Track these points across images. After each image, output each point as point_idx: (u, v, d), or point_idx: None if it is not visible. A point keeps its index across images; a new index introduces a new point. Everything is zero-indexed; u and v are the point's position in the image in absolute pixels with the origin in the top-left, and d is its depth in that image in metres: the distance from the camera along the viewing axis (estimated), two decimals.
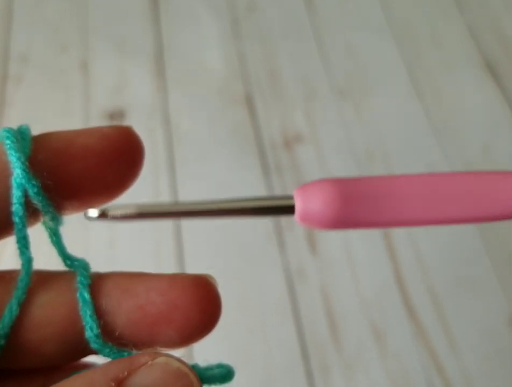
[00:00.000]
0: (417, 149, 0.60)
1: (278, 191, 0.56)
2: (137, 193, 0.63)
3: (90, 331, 0.16)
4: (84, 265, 0.17)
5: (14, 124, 0.18)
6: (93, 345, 0.16)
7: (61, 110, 0.62)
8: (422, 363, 0.48)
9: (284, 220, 0.55)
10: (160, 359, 0.15)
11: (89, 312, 0.16)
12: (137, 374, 0.15)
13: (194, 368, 0.16)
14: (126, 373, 0.15)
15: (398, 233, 0.54)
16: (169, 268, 0.52)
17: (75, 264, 0.18)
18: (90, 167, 0.17)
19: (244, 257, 0.53)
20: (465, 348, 0.49)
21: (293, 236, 0.54)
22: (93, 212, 0.17)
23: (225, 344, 0.49)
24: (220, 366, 0.17)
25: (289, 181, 0.57)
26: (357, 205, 0.18)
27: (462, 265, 0.53)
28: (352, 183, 0.18)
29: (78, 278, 0.17)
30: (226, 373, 0.17)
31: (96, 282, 0.17)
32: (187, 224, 0.55)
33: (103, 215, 0.17)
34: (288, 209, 0.18)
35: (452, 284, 0.52)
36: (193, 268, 0.52)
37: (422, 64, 0.66)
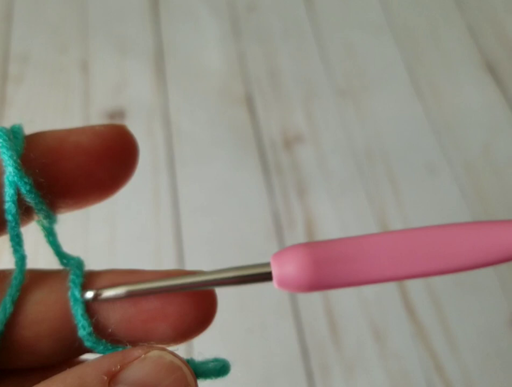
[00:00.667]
0: (417, 149, 0.60)
1: (278, 191, 0.56)
2: (138, 193, 0.63)
3: (83, 330, 0.16)
4: (78, 264, 0.17)
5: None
6: (87, 344, 0.16)
7: (61, 110, 0.62)
8: (422, 363, 0.49)
9: (284, 219, 0.55)
10: (153, 353, 0.15)
11: (80, 311, 0.16)
12: (130, 367, 0.15)
13: (188, 362, 0.16)
14: (118, 367, 0.15)
15: None
16: (169, 268, 0.52)
17: (70, 263, 0.18)
18: (82, 165, 0.17)
19: (244, 257, 0.53)
20: (465, 347, 0.49)
21: (293, 236, 0.54)
22: (89, 294, 0.17)
23: (225, 344, 0.49)
24: (215, 360, 0.17)
25: (289, 181, 0.57)
26: (330, 269, 0.18)
27: None
28: (323, 247, 0.19)
29: (71, 277, 0.17)
30: (221, 367, 0.17)
31: (89, 280, 0.17)
32: (188, 224, 0.55)
33: (96, 297, 0.17)
34: (266, 277, 0.19)
35: (451, 284, 0.52)
36: (193, 268, 0.52)
37: (422, 64, 0.66)
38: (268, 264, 0.19)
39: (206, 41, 0.67)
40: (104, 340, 0.16)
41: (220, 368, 0.17)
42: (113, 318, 0.17)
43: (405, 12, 0.70)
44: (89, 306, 0.16)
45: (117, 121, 0.61)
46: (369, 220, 0.55)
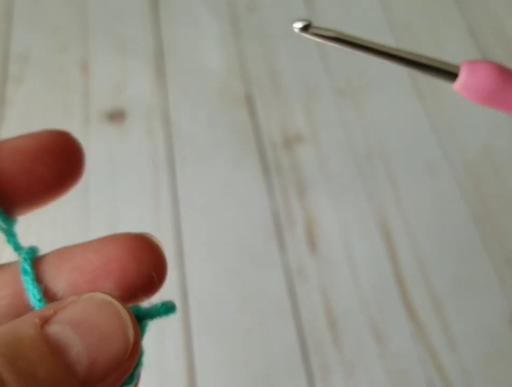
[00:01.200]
0: (417, 149, 0.60)
1: (278, 191, 0.56)
2: (138, 193, 0.63)
3: (33, 297, 0.17)
4: (32, 247, 0.18)
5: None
6: None
7: (61, 110, 0.62)
8: (422, 363, 0.49)
9: (284, 219, 0.55)
10: (85, 296, 0.16)
11: (30, 280, 0.17)
12: (63, 311, 0.15)
13: (132, 308, 0.17)
14: (52, 311, 0.15)
15: (398, 232, 0.54)
16: (169, 268, 0.52)
17: (25, 249, 0.18)
18: (19, 163, 0.18)
19: (244, 257, 0.53)
20: (465, 348, 0.49)
21: (293, 236, 0.54)
22: (298, 24, 0.19)
23: (224, 344, 0.49)
24: (162, 302, 0.18)
25: (289, 181, 0.57)
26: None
27: (462, 265, 0.53)
28: None
29: (22, 255, 0.18)
30: (166, 306, 0.18)
31: (39, 257, 0.18)
32: (188, 224, 0.55)
33: (305, 28, 0.20)
34: (452, 75, 0.21)
35: (451, 283, 0.52)
36: (193, 268, 0.52)
37: None
38: (457, 67, 0.21)
39: (206, 41, 0.67)
40: None
41: (165, 308, 0.18)
42: (60, 284, 0.17)
43: (405, 12, 0.70)
44: (38, 277, 0.17)
45: (117, 121, 0.61)
46: (369, 220, 0.55)
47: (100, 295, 0.16)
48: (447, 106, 0.63)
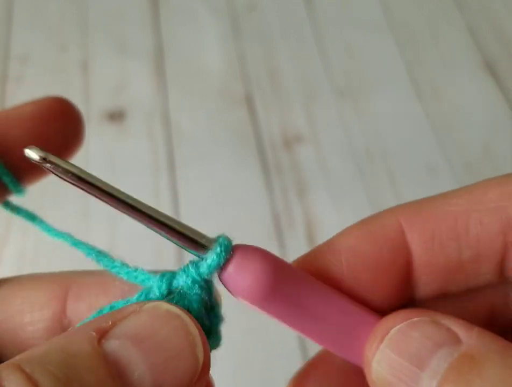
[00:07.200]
0: (417, 149, 0.60)
1: (278, 191, 0.56)
2: (138, 193, 0.63)
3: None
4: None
5: None
6: None
7: None
8: None
9: (284, 219, 0.55)
10: (148, 305, 0.14)
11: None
12: (123, 322, 0.14)
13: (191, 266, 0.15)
14: (110, 322, 0.13)
15: None
16: (169, 268, 0.52)
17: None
18: (28, 129, 0.18)
19: None
20: None
21: (293, 236, 0.54)
22: (35, 153, 0.16)
23: (225, 344, 0.49)
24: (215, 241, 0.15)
25: (289, 181, 0.57)
26: (279, 302, 0.17)
27: None
28: (286, 272, 0.17)
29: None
30: (222, 245, 0.16)
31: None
32: (187, 224, 0.55)
33: (44, 160, 0.16)
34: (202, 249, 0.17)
35: None
36: None
37: (422, 64, 0.66)
38: (210, 240, 0.16)
39: (206, 41, 0.67)
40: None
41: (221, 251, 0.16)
42: None
43: (405, 12, 0.70)
44: None
45: (117, 121, 0.61)
46: None
47: (165, 306, 0.14)
48: (447, 106, 0.63)
